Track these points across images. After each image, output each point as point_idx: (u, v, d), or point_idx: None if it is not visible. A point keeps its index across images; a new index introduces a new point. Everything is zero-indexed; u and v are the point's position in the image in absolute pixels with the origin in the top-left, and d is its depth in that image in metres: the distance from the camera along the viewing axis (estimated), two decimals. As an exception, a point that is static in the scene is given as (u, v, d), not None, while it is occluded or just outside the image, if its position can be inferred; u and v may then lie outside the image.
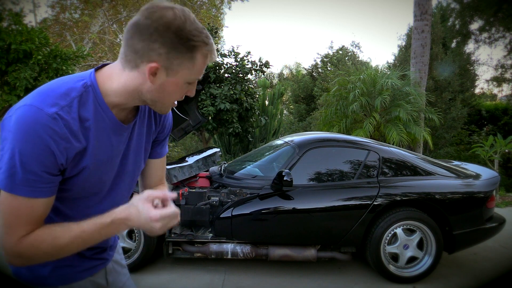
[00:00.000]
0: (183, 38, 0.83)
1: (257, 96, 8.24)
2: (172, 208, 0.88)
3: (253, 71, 7.90)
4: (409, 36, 11.97)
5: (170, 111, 1.10)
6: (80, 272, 1.04)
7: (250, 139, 8.66)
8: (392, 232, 3.15)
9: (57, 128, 0.82)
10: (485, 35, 14.50)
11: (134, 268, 3.19)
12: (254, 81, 9.67)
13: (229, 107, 7.04)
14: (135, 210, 0.87)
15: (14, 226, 0.84)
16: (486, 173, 3.67)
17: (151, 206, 0.86)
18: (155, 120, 1.09)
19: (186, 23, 0.84)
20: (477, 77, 13.58)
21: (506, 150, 6.84)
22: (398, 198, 3.16)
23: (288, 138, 3.89)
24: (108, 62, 0.96)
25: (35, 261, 0.89)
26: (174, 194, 0.90)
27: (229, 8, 23.00)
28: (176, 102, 0.98)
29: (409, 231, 3.20)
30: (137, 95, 0.91)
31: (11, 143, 0.80)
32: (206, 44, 0.87)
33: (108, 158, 0.96)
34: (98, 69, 0.93)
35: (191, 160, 3.66)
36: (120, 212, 0.89)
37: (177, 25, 0.83)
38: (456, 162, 4.32)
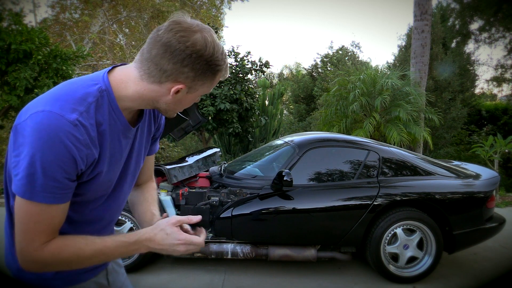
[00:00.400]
0: (212, 65, 0.88)
1: (257, 96, 8.24)
2: (201, 238, 0.96)
3: (253, 71, 7.91)
4: (409, 36, 11.96)
5: None
6: (84, 274, 1.05)
7: (250, 139, 8.66)
8: (392, 232, 3.15)
9: (79, 135, 0.81)
10: (485, 35, 14.52)
11: (134, 268, 3.19)
12: (254, 81, 9.67)
13: (229, 107, 7.04)
14: (162, 233, 0.93)
15: (34, 233, 0.84)
16: (486, 173, 3.67)
17: (179, 230, 0.94)
18: (154, 119, 1.11)
19: (215, 49, 0.87)
20: (477, 77, 13.57)
21: (506, 150, 6.83)
22: (398, 198, 3.16)
23: (288, 138, 3.89)
24: (117, 64, 0.96)
25: (52, 268, 0.90)
26: (198, 217, 0.97)
27: (229, 8, 23.06)
28: None
29: (409, 231, 3.20)
30: (151, 103, 0.93)
31: (30, 149, 0.78)
32: (225, 64, 0.92)
33: (117, 161, 0.97)
34: (108, 71, 0.93)
35: (191, 160, 3.66)
36: (145, 233, 0.93)
37: (209, 53, 0.86)
38: (456, 162, 4.32)
